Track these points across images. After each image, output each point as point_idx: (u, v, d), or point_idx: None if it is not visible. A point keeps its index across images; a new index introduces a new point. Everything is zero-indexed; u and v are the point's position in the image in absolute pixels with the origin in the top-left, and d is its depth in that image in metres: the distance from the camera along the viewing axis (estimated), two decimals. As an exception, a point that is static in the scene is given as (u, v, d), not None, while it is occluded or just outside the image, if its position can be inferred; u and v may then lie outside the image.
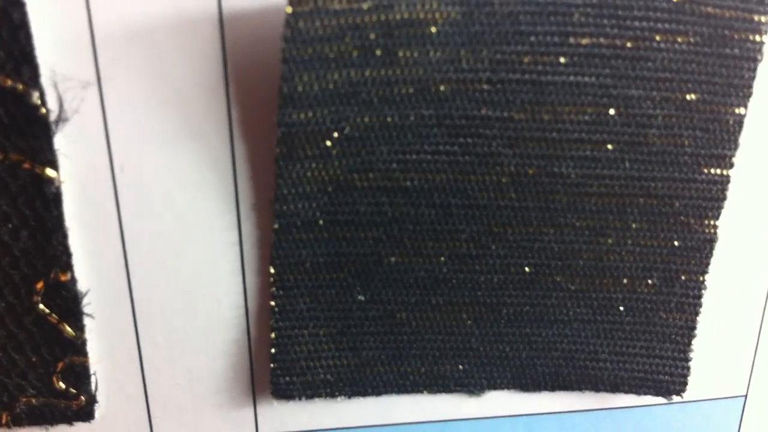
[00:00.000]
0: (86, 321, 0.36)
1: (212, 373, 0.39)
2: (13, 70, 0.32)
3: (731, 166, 0.37)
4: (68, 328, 0.36)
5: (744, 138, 0.37)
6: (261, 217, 0.36)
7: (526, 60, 0.34)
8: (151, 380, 0.38)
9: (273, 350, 0.38)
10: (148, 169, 0.34)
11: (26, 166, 0.33)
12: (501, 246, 0.37)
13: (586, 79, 0.34)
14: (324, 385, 0.39)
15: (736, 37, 0.34)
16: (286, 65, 0.32)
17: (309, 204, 0.35)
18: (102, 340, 0.37)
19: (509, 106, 0.35)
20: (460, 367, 0.40)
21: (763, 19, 0.34)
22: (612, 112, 0.35)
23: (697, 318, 0.40)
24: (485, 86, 0.34)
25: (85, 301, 0.36)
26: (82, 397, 0.38)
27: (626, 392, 0.42)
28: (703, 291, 0.39)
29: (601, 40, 0.34)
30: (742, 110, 0.36)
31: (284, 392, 0.39)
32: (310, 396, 0.39)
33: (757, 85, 0.36)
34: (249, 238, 0.36)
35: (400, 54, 0.33)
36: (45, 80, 0.32)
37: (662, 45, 0.34)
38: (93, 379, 0.38)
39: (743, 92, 0.36)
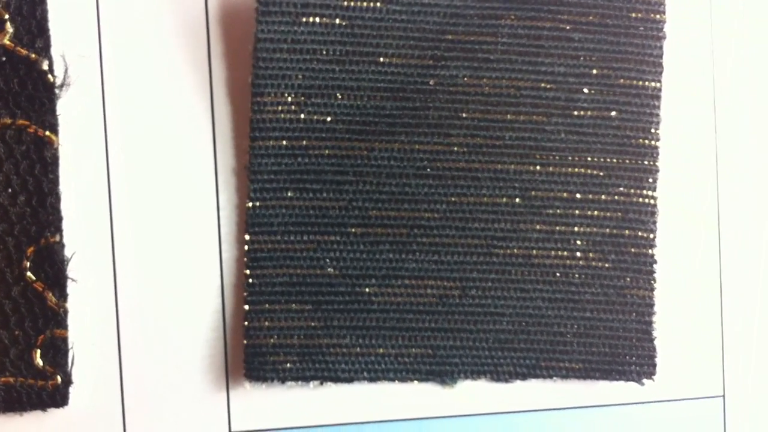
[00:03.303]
0: (69, 290, 0.38)
1: (187, 356, 0.40)
2: (29, 42, 0.38)
3: (657, 138, 0.41)
4: (52, 297, 0.38)
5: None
6: (241, 183, 0.40)
7: (464, 38, 0.40)
8: (127, 360, 0.39)
9: (246, 323, 0.40)
10: (137, 137, 0.39)
11: (30, 130, 0.38)
12: (458, 217, 0.41)
13: (519, 57, 0.40)
14: (295, 368, 0.40)
15: (639, 16, 0.41)
16: (259, 25, 0.38)
17: (280, 169, 0.39)
18: (82, 311, 0.39)
19: (453, 81, 0.40)
20: (430, 351, 0.41)
21: (659, -1, 0.41)
22: (544, 86, 0.41)
23: (653, 294, 0.42)
24: (430, 62, 0.40)
25: (69, 267, 0.38)
26: (59, 377, 0.39)
27: (596, 378, 0.42)
28: (654, 266, 0.42)
29: (526, 22, 0.40)
30: (656, 84, 0.41)
31: (257, 373, 0.40)
32: (282, 379, 0.40)
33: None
34: (227, 205, 0.40)
35: (356, 27, 0.39)
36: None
37: (575, 25, 0.40)
38: (70, 354, 0.39)
39: (654, 68, 0.41)
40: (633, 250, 0.42)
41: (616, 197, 0.42)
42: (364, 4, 0.39)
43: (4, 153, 0.38)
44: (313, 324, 0.40)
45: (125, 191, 0.39)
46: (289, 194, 0.40)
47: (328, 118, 0.40)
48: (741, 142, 0.44)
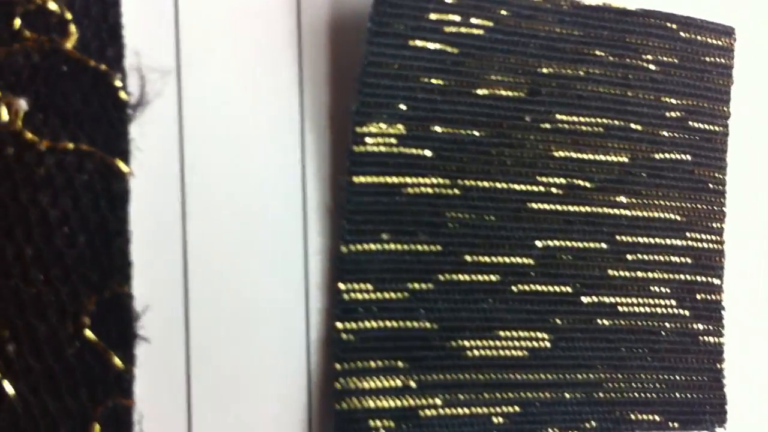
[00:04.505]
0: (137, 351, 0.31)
1: (267, 425, 0.34)
2: (97, 50, 0.31)
3: (725, 183, 0.42)
4: (117, 360, 0.31)
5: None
6: (333, 225, 0.35)
7: (559, 72, 0.38)
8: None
9: (337, 385, 0.35)
10: (218, 170, 0.33)
11: (96, 157, 0.31)
12: (549, 263, 0.38)
13: (608, 95, 0.39)
14: (389, 434, 0.36)
15: (712, 60, 0.41)
16: (370, 47, 0.34)
17: (377, 208, 0.35)
18: (149, 375, 0.32)
19: (547, 117, 0.38)
20: (519, 409, 0.38)
21: (730, 43, 0.41)
22: (630, 125, 0.39)
23: (723, 340, 0.42)
24: (525, 96, 0.38)
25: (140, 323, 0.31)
26: (121, 460, 0.31)
27: (675, 429, 0.40)
28: (722, 312, 0.42)
29: (615, 58, 0.39)
30: (724, 129, 0.41)
31: (349, 443, 0.35)
32: (376, 448, 0.35)
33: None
34: (317, 249, 0.35)
35: (460, 55, 0.36)
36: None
37: (657, 65, 0.40)
38: (136, 428, 0.31)
39: (723, 113, 0.42)
40: (706, 296, 0.42)
41: (690, 242, 0.41)
42: (467, 30, 0.36)
43: (60, 184, 0.31)
44: (407, 383, 0.36)
45: (202, 231, 0.33)
46: (384, 236, 0.36)
47: (428, 153, 0.36)
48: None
